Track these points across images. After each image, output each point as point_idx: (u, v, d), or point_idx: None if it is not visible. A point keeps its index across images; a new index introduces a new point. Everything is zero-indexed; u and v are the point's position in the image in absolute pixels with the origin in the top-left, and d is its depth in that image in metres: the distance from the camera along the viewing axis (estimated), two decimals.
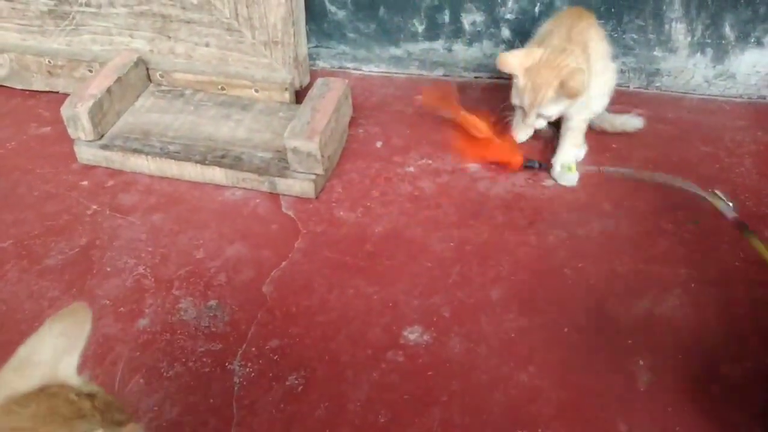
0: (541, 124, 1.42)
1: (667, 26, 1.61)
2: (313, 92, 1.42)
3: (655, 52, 1.65)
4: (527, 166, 1.46)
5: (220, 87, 1.58)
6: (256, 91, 1.55)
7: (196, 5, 1.52)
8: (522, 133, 1.45)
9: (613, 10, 1.60)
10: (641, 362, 1.07)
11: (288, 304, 1.17)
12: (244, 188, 1.40)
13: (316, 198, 1.38)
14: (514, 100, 1.41)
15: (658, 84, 1.71)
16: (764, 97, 1.67)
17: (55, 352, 0.64)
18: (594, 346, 1.10)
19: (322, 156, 1.32)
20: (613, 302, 1.17)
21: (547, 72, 1.31)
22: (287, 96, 1.54)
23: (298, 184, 1.36)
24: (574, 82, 1.28)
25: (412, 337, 1.12)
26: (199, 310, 1.16)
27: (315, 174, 1.34)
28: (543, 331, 1.13)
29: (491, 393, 1.03)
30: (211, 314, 1.16)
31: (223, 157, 1.40)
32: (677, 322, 1.14)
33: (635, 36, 1.64)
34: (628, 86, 1.72)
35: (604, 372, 1.06)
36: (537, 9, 1.63)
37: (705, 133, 1.57)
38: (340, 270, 1.23)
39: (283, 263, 1.25)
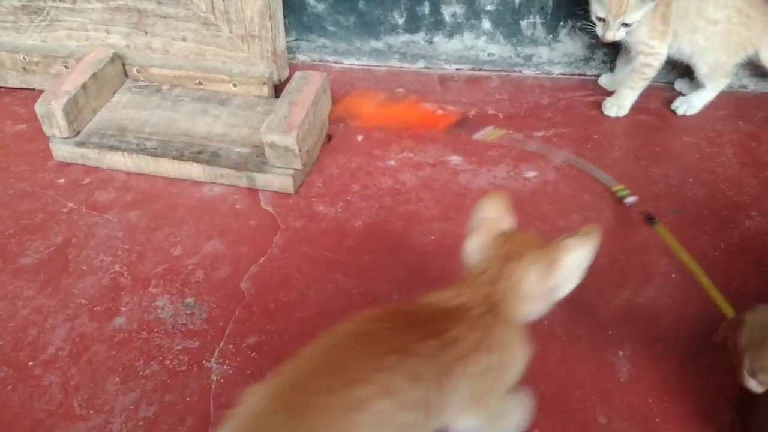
0: (622, 34, 1.42)
1: None
2: (290, 86, 1.40)
3: None
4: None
5: (197, 82, 1.56)
6: (234, 85, 1.54)
7: (172, 0, 1.50)
8: (609, 35, 1.42)
9: None
10: (621, 353, 1.07)
11: (266, 301, 1.16)
12: (222, 184, 1.39)
13: (296, 193, 1.37)
14: (598, 13, 1.41)
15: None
16: (745, 87, 1.67)
17: None
18: (574, 338, 1.10)
19: (300, 150, 1.30)
20: (593, 293, 1.16)
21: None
22: (266, 90, 1.52)
23: (276, 180, 1.34)
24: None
25: None
26: (176, 308, 1.15)
27: (293, 169, 1.33)
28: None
29: None
30: (189, 312, 1.14)
31: (200, 152, 1.39)
32: (657, 312, 1.13)
33: None
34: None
35: (584, 363, 1.06)
36: (517, 0, 1.62)
37: (686, 123, 1.57)
38: (320, 265, 1.22)
39: (262, 259, 1.24)
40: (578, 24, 1.63)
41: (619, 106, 1.58)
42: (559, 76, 1.73)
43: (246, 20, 1.47)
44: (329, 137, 1.52)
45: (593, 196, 1.36)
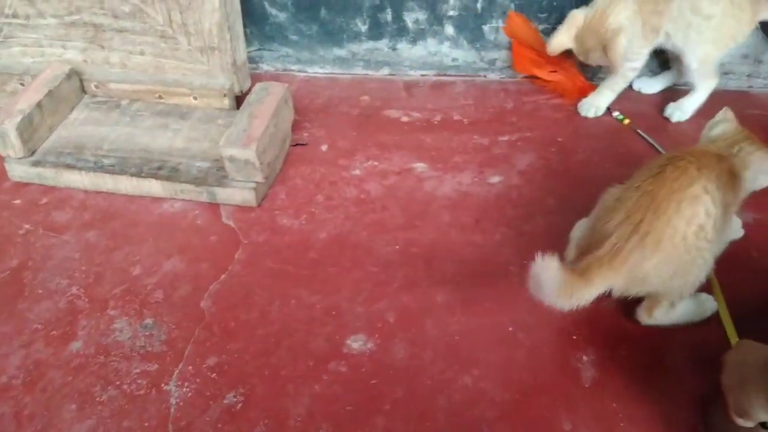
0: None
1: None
2: (251, 98, 1.38)
3: None
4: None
5: (157, 96, 1.54)
6: (195, 98, 1.51)
7: (128, 13, 1.48)
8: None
9: (555, 3, 1.60)
10: (585, 358, 1.06)
11: (227, 319, 1.14)
12: (183, 200, 1.36)
13: (258, 206, 1.35)
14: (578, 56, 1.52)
15: (601, 76, 1.70)
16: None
17: None
18: (539, 344, 1.09)
19: (261, 163, 1.28)
20: None
21: (592, 37, 1.44)
22: (227, 102, 1.50)
23: (238, 193, 1.32)
24: (612, 53, 1.42)
25: (355, 345, 1.09)
26: (135, 330, 1.12)
27: (255, 182, 1.31)
28: (488, 332, 1.11)
29: (435, 399, 1.01)
30: (147, 333, 1.12)
31: (159, 168, 1.36)
32: (622, 315, 1.13)
33: None
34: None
35: (549, 370, 1.05)
36: (479, 5, 1.62)
37: (650, 124, 1.57)
38: (282, 280, 1.20)
39: (223, 276, 1.21)
40: (541, 28, 1.63)
41: (596, 107, 1.58)
42: (524, 79, 1.73)
43: (204, 32, 1.45)
44: (301, 144, 1.51)
45: (558, 200, 1.36)
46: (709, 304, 1.10)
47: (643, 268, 0.95)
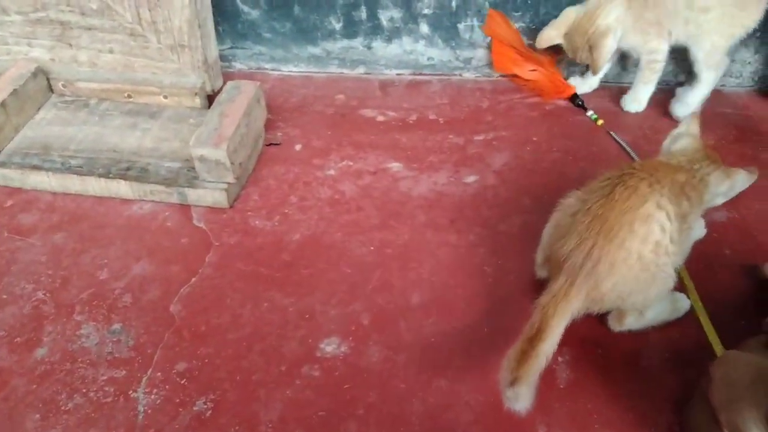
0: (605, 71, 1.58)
1: None
2: (222, 97, 1.36)
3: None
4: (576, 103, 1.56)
5: (126, 95, 1.50)
6: (165, 97, 1.48)
7: (96, 10, 1.44)
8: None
9: (529, 2, 1.59)
10: (560, 359, 1.06)
11: (197, 323, 1.11)
12: (153, 201, 1.34)
13: (231, 207, 1.33)
14: (569, 55, 1.55)
15: (577, 74, 1.70)
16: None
17: None
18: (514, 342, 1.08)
19: (233, 163, 1.26)
20: (533, 298, 1.14)
21: (580, 37, 1.45)
22: (198, 101, 1.47)
23: (209, 194, 1.30)
24: (596, 54, 1.43)
25: (328, 349, 1.07)
26: (102, 336, 1.09)
27: (227, 183, 1.29)
28: (462, 334, 1.10)
29: (409, 402, 1.00)
30: (115, 339, 1.09)
31: (128, 169, 1.33)
32: (596, 316, 1.12)
33: None
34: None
35: None
36: (454, 4, 1.61)
37: (625, 122, 1.58)
38: (255, 282, 1.18)
39: (193, 279, 1.19)
40: (516, 26, 1.63)
41: (638, 101, 1.59)
42: (499, 78, 1.73)
43: (174, 30, 1.42)
44: (275, 144, 1.49)
45: (533, 199, 1.35)
46: (683, 303, 1.10)
47: (600, 291, 0.95)
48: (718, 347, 1.03)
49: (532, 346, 0.90)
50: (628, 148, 1.47)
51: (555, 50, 1.58)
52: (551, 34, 1.50)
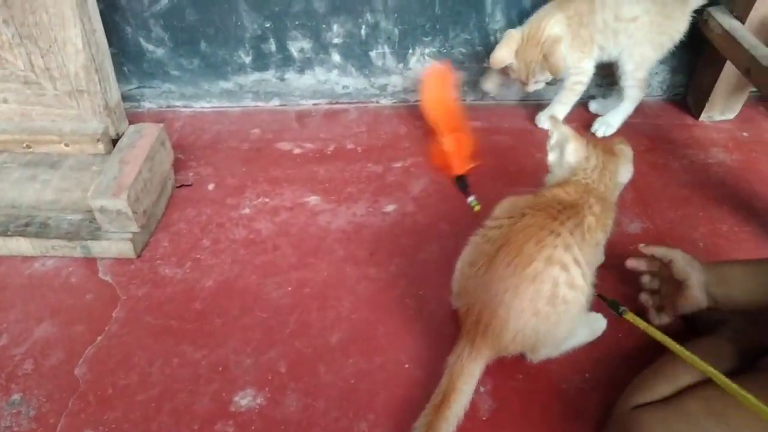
0: (541, 86, 1.57)
1: (492, 38, 1.62)
2: (122, 142, 1.30)
3: (484, 65, 1.66)
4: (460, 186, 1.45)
5: (25, 145, 1.43)
6: (66, 145, 1.42)
7: None
8: (527, 89, 1.56)
9: (438, 26, 1.59)
10: (482, 389, 1.04)
11: (104, 386, 1.05)
12: (56, 256, 1.27)
13: (138, 257, 1.27)
14: (513, 75, 1.54)
15: (491, 95, 1.71)
16: (594, 97, 1.71)
17: None
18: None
19: (135, 212, 1.21)
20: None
21: (532, 49, 1.45)
22: (101, 147, 1.41)
23: (114, 246, 1.24)
24: (553, 59, 1.42)
25: (243, 402, 1.03)
26: (0, 408, 1.02)
27: (131, 232, 1.23)
28: (384, 372, 1.07)
29: None
30: (14, 411, 1.02)
31: (27, 225, 1.26)
32: None
33: (463, 50, 1.64)
34: (464, 100, 1.73)
35: None
36: (363, 32, 1.60)
37: (539, 140, 1.59)
38: (164, 337, 1.13)
39: (99, 338, 1.13)
40: (426, 51, 1.63)
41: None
42: (415, 103, 1.72)
43: (71, 75, 1.36)
44: (186, 185, 1.44)
45: (450, 224, 1.34)
46: (600, 324, 1.10)
47: (502, 345, 0.95)
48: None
49: (439, 414, 0.90)
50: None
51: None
52: (504, 54, 1.47)
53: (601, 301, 1.09)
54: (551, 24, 1.44)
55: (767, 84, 1.30)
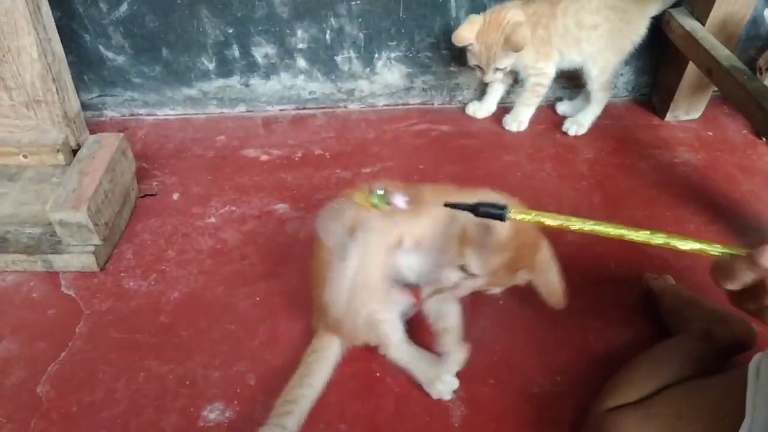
0: (499, 76, 1.56)
1: None
2: (81, 153, 1.27)
3: (451, 68, 1.66)
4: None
5: None
6: (25, 156, 1.38)
7: None
8: (487, 78, 1.56)
9: (403, 30, 1.59)
10: (454, 394, 1.03)
11: (68, 404, 1.02)
12: (16, 271, 1.23)
13: (102, 270, 1.24)
14: (472, 62, 1.53)
15: (460, 98, 1.72)
16: (561, 99, 1.72)
17: None
18: (407, 388, 1.05)
19: (97, 224, 1.18)
20: (423, 334, 1.12)
21: (494, 31, 1.44)
22: (62, 158, 1.37)
23: (76, 259, 1.20)
24: (515, 37, 1.41)
25: (212, 416, 1.01)
26: None
27: (93, 245, 1.20)
28: (356, 381, 1.06)
29: None
30: None
31: None
32: (488, 344, 1.11)
33: (429, 54, 1.63)
34: (433, 103, 1.73)
35: (418, 414, 1.01)
36: (328, 36, 1.59)
37: (507, 143, 1.60)
38: (130, 351, 1.10)
39: (62, 354, 1.09)
40: (392, 55, 1.62)
41: (519, 121, 1.62)
42: (383, 108, 1.72)
43: (27, 85, 1.32)
44: (150, 195, 1.41)
45: None
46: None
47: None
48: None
49: None
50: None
51: None
52: (465, 34, 1.47)
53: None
54: (513, 12, 1.45)
55: (727, 84, 1.32)
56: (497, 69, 1.52)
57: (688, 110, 1.64)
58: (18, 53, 1.26)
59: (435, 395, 1.02)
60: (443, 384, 1.02)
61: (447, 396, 1.02)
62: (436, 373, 1.02)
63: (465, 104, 1.70)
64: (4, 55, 1.26)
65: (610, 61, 1.52)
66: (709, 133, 1.62)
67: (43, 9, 1.25)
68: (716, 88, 1.45)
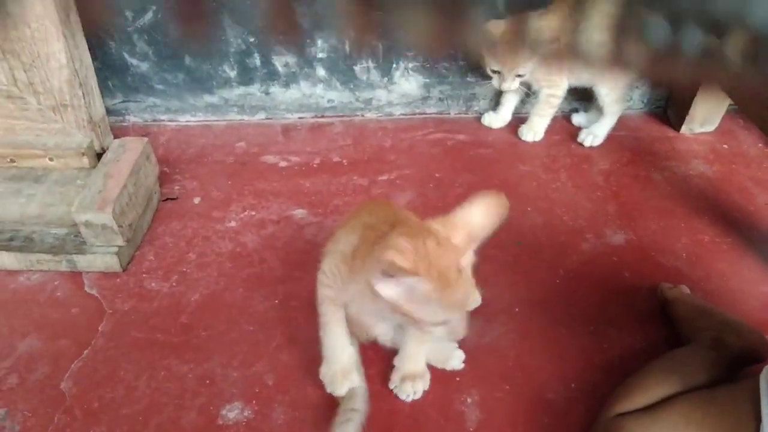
0: (516, 84, 1.54)
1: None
2: (107, 156, 1.30)
3: (468, 78, 1.68)
4: None
5: (9, 160, 1.42)
6: (51, 159, 1.41)
7: None
8: (505, 85, 1.54)
9: None
10: (469, 400, 1.05)
11: (90, 400, 1.04)
12: (41, 270, 1.26)
13: (124, 271, 1.27)
14: (492, 67, 1.52)
15: (476, 108, 1.74)
16: (576, 110, 1.74)
17: None
18: (424, 394, 1.06)
19: (121, 226, 1.20)
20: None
21: (522, 24, 1.37)
22: (86, 161, 1.41)
23: (99, 259, 1.23)
24: (537, 33, 1.37)
25: (231, 415, 1.03)
26: None
27: (117, 246, 1.23)
28: (372, 384, 1.07)
29: None
30: None
31: (11, 239, 1.25)
32: (503, 350, 1.13)
33: (447, 64, 1.66)
34: (449, 113, 1.75)
35: (433, 417, 1.02)
36: (347, 46, 1.61)
37: (523, 153, 1.61)
38: (151, 350, 1.12)
39: (85, 352, 1.12)
40: (410, 65, 1.65)
41: (534, 132, 1.64)
42: (400, 117, 1.74)
43: (54, 90, 1.36)
44: (171, 199, 1.44)
45: None
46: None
47: None
48: None
49: None
50: None
51: None
52: (497, 27, 1.40)
53: None
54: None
55: (743, 97, 1.33)
56: (518, 75, 1.52)
57: (703, 123, 1.65)
58: (47, 59, 1.30)
59: (449, 368, 1.09)
60: (455, 359, 1.09)
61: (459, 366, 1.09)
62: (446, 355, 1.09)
63: (481, 114, 1.72)
64: (33, 61, 1.30)
65: (619, 81, 1.54)
66: (725, 145, 1.63)
67: (72, 16, 1.29)
68: (732, 101, 1.46)
